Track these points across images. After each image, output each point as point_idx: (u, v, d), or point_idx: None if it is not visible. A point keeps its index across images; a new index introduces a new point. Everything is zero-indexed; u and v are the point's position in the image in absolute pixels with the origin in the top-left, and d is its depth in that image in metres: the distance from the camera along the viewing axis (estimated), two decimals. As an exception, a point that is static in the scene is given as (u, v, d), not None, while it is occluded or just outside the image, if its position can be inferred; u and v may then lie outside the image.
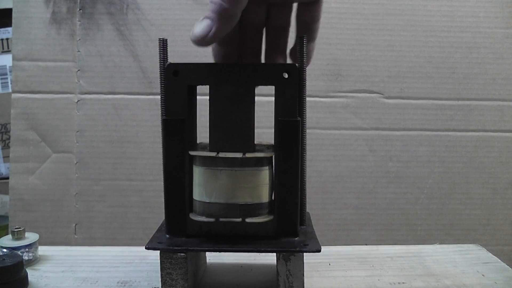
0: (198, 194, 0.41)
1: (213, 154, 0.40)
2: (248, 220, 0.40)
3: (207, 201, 0.41)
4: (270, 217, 0.41)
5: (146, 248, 0.39)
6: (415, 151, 0.86)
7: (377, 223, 0.86)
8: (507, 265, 0.50)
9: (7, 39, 1.18)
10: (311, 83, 0.83)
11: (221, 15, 0.36)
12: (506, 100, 0.87)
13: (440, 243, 0.56)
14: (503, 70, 0.86)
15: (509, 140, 0.87)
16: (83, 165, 0.84)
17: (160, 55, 0.41)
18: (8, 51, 1.16)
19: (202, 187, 0.41)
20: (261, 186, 0.41)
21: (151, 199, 0.84)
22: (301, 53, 0.41)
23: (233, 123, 0.40)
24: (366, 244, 0.72)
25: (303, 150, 0.42)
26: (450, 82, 0.86)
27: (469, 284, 0.45)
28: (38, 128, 0.84)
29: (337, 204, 0.85)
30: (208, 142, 0.42)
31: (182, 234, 0.41)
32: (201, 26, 0.37)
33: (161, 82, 0.40)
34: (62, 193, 0.84)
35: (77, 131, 0.84)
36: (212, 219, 0.40)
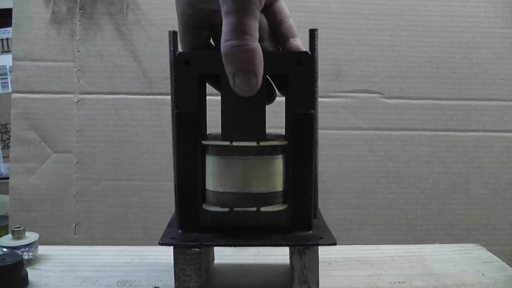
0: (212, 184, 0.40)
1: (227, 143, 0.39)
2: (263, 209, 0.39)
3: (221, 190, 0.40)
4: (285, 206, 0.40)
5: (159, 244, 0.39)
6: (415, 151, 0.86)
7: (377, 223, 0.86)
8: (507, 265, 0.50)
9: (7, 39, 1.18)
10: (311, 83, 0.83)
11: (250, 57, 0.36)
12: (506, 100, 0.87)
13: (440, 243, 0.56)
14: (503, 70, 0.86)
15: (509, 140, 0.87)
16: (83, 165, 0.84)
17: (170, 47, 0.40)
18: (8, 51, 1.16)
19: (216, 176, 0.40)
20: (276, 175, 0.40)
21: (151, 199, 0.84)
22: (312, 45, 0.41)
23: (245, 112, 0.40)
24: (366, 244, 0.72)
25: (315, 143, 0.41)
26: (450, 82, 0.86)
27: (469, 283, 0.45)
28: (38, 128, 0.84)
29: (337, 204, 0.85)
30: (217, 132, 0.41)
31: (195, 228, 0.40)
32: (245, 82, 0.36)
33: (171, 74, 0.40)
34: (62, 193, 0.84)
35: (77, 131, 0.84)
36: (226, 209, 0.39)
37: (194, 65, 0.39)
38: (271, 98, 0.44)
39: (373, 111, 0.85)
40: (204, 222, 0.40)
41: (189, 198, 0.40)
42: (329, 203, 0.85)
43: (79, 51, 0.84)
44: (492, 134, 0.87)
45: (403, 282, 0.45)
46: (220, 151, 0.40)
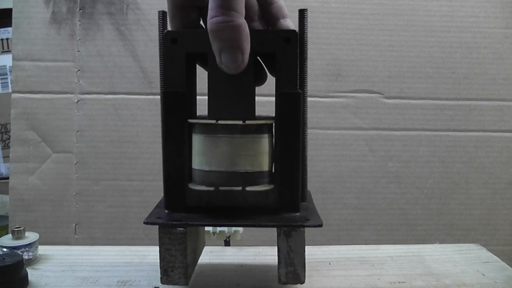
0: (198, 162, 0.40)
1: (213, 121, 0.39)
2: (248, 188, 0.39)
3: (207, 169, 0.40)
4: (271, 186, 0.40)
5: (144, 223, 0.39)
6: (415, 151, 0.86)
7: (377, 223, 0.86)
8: (507, 265, 0.50)
9: (7, 39, 1.18)
10: (311, 83, 0.83)
11: (236, 32, 0.36)
12: (506, 100, 0.87)
13: (440, 243, 0.56)
14: (503, 70, 0.86)
15: (509, 140, 0.87)
16: (83, 165, 0.84)
17: (160, 28, 0.40)
18: (8, 51, 1.16)
19: (202, 155, 0.40)
20: (262, 154, 0.40)
21: (151, 199, 0.84)
22: (301, 25, 0.41)
23: (233, 91, 0.39)
24: (366, 244, 0.72)
25: (304, 124, 0.41)
26: (450, 82, 0.86)
27: (469, 283, 0.45)
28: (38, 128, 0.84)
29: (337, 204, 0.85)
30: (207, 114, 0.41)
31: (181, 209, 0.40)
32: (231, 58, 0.36)
33: (160, 53, 0.40)
34: (62, 193, 0.84)
35: (77, 131, 0.84)
36: (212, 188, 0.39)
37: (181, 43, 0.39)
38: (261, 80, 0.44)
39: (373, 111, 0.85)
40: (190, 202, 0.40)
41: (176, 177, 0.40)
42: (329, 203, 0.85)
43: (79, 51, 0.84)
44: (492, 134, 0.87)
45: (403, 282, 0.45)
46: (206, 129, 0.40)
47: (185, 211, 0.40)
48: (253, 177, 0.40)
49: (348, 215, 0.85)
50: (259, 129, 0.40)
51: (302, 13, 0.41)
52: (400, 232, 0.86)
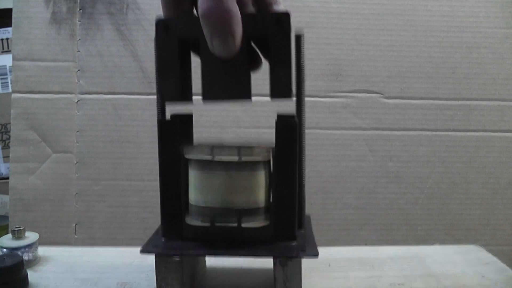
0: (194, 198, 0.40)
1: (209, 158, 0.39)
2: (244, 225, 0.39)
3: (203, 205, 0.40)
4: (267, 222, 0.40)
5: (141, 252, 0.39)
6: (415, 151, 0.86)
7: (377, 223, 0.86)
8: (507, 265, 0.50)
9: (7, 39, 1.18)
10: (311, 83, 0.83)
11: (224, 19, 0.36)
12: (506, 100, 0.87)
13: (440, 243, 0.56)
14: (503, 70, 0.86)
15: (509, 140, 0.87)
16: (83, 165, 0.84)
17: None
18: (8, 51, 1.16)
19: (198, 190, 0.40)
20: (257, 190, 0.40)
21: (151, 199, 0.84)
22: (298, 51, 0.40)
23: (226, 76, 0.39)
24: (366, 245, 0.72)
25: (302, 150, 0.41)
26: (450, 82, 0.86)
27: (469, 284, 0.45)
28: (38, 128, 0.84)
29: (337, 204, 0.85)
30: (204, 144, 0.41)
31: (178, 237, 0.40)
32: (222, 43, 0.36)
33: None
34: (62, 193, 0.84)
35: (77, 131, 0.84)
36: (207, 224, 0.39)
37: (173, 30, 0.39)
38: (256, 65, 0.44)
39: (373, 111, 0.85)
40: (187, 234, 0.40)
41: (172, 211, 0.40)
42: (329, 203, 0.85)
43: (79, 51, 0.84)
44: (492, 134, 0.87)
45: (403, 283, 0.45)
46: (202, 166, 0.40)
47: (182, 239, 0.41)
48: (249, 213, 0.40)
49: (348, 215, 0.85)
50: (255, 166, 0.40)
51: (298, 38, 0.41)
52: (400, 232, 0.86)
